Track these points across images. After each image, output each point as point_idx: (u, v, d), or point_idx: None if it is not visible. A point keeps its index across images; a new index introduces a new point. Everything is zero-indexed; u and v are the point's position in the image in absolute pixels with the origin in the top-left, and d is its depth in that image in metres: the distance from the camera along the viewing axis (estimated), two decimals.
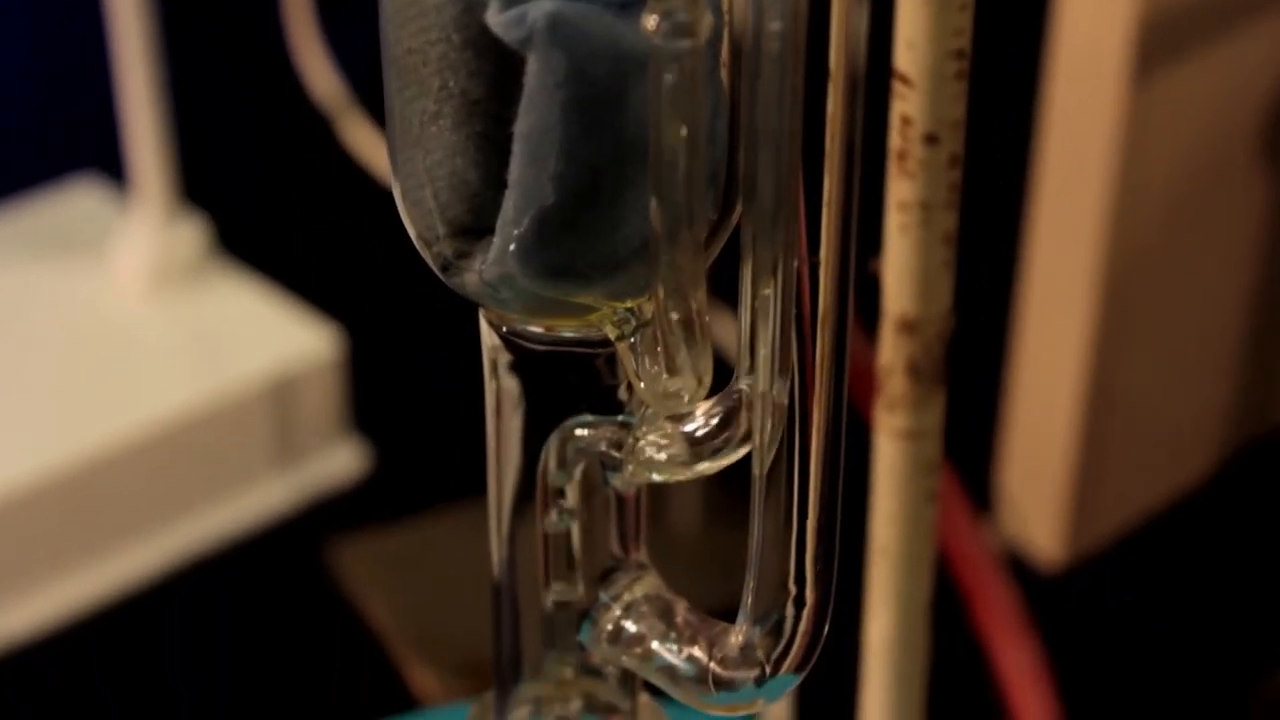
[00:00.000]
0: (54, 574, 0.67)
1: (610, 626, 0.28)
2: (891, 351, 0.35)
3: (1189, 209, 0.66)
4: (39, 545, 0.66)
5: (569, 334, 0.26)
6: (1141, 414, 0.69)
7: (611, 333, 0.25)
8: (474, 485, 0.70)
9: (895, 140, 0.33)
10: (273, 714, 0.64)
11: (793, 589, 0.27)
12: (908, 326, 0.34)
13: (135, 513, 0.68)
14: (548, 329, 0.26)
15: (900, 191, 0.33)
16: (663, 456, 0.26)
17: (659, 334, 0.24)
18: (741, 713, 0.28)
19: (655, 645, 0.28)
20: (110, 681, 0.65)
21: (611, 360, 0.27)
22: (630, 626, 0.28)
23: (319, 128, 0.75)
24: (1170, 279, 0.67)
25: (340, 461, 0.73)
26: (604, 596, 0.28)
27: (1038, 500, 0.68)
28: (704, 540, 0.67)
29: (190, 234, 0.73)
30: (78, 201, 0.79)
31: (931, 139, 0.32)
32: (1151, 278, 0.66)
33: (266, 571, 0.69)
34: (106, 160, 0.80)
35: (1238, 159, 0.67)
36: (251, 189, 0.86)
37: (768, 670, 0.27)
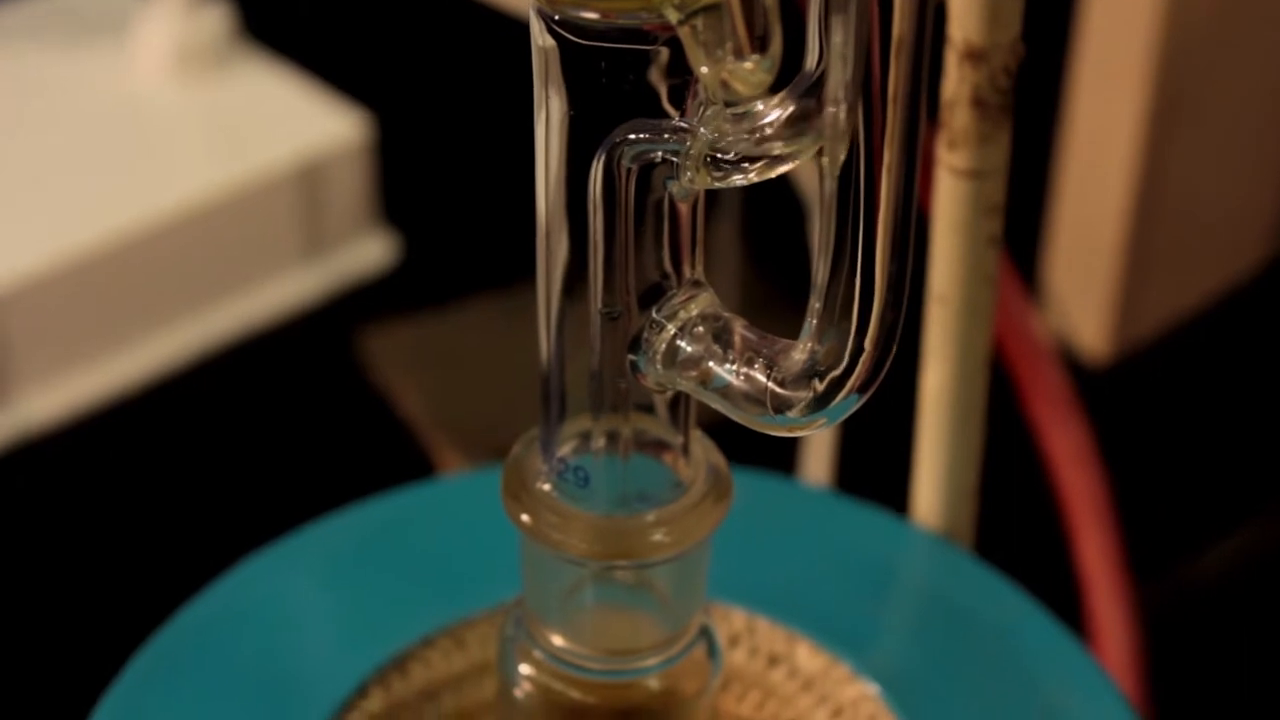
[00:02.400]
0: (77, 362, 0.66)
1: (664, 347, 0.27)
2: (955, 83, 0.33)
3: None
4: (61, 333, 0.65)
5: (625, 22, 0.24)
6: (1191, 207, 0.67)
7: (672, 16, 0.24)
8: (504, 274, 0.69)
9: None
10: (302, 502, 0.63)
11: (860, 303, 0.25)
12: (973, 55, 0.32)
13: (161, 301, 0.67)
14: (603, 14, 0.24)
15: None
16: (727, 154, 0.25)
17: (726, 12, 0.23)
18: (800, 434, 0.26)
19: (712, 365, 0.26)
20: (135, 471, 0.64)
21: (665, 58, 0.25)
22: (685, 346, 0.27)
23: None
24: (1225, 70, 0.65)
25: (369, 251, 0.71)
26: (657, 316, 0.27)
27: (1084, 294, 0.67)
28: None
29: (214, 18, 0.72)
30: None
31: None
32: (1205, 68, 0.64)
33: (295, 362, 0.68)
34: None
35: None
36: None
37: (829, 390, 0.26)
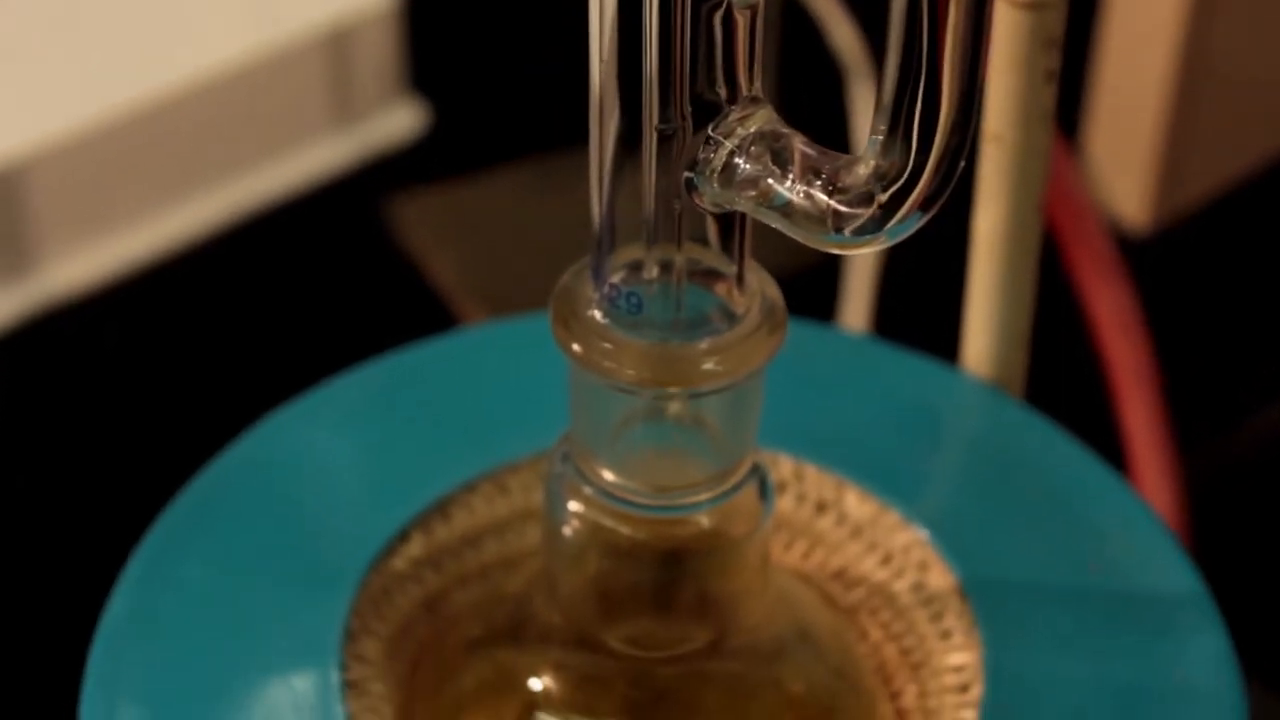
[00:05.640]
0: (102, 230, 0.65)
1: (721, 165, 0.26)
2: None
3: None
4: (86, 200, 0.65)
5: None
6: (1236, 75, 0.66)
7: None
8: (535, 141, 0.69)
9: None
10: (332, 370, 0.63)
11: (923, 119, 0.24)
12: None
13: (189, 168, 0.67)
14: None
15: None
16: None
17: None
18: (860, 251, 0.26)
19: (770, 183, 0.26)
20: (163, 340, 0.64)
21: None
22: (743, 164, 0.26)
23: None
24: None
25: (398, 118, 0.70)
26: (714, 133, 0.26)
27: (1126, 163, 0.66)
28: None
29: None
30: None
31: None
32: None
33: (324, 230, 0.68)
34: None
35: None
36: None
37: (890, 206, 0.25)
